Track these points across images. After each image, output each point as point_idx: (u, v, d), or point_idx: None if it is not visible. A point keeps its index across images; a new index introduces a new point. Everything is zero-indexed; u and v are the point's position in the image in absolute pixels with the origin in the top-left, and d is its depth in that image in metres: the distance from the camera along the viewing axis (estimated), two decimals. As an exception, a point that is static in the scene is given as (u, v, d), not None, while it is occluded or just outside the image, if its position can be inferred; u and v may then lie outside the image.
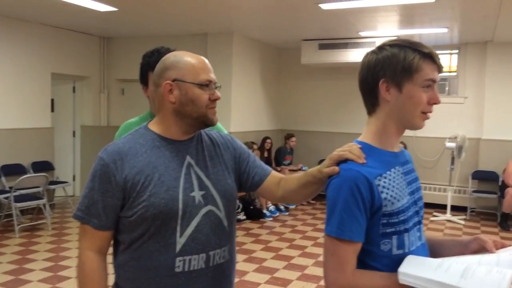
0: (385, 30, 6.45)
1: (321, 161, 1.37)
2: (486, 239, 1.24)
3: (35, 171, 6.40)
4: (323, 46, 7.24)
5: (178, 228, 1.33)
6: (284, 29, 6.67)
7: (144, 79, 1.94)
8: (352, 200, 1.14)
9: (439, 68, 1.22)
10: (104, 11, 5.61)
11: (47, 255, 4.80)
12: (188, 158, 1.40)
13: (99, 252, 1.36)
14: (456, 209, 7.09)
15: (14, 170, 6.24)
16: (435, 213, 7.02)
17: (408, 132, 1.30)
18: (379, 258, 1.18)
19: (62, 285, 4.02)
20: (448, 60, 7.55)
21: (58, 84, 7.33)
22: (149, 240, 1.33)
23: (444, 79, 7.72)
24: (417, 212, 1.27)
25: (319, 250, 5.17)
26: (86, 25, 6.79)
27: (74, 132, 7.70)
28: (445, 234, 6.10)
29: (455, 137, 6.84)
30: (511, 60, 6.98)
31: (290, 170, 7.42)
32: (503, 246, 1.23)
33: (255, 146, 7.14)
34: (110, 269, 1.39)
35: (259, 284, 4.16)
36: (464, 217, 6.89)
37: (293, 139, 7.82)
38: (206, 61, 1.42)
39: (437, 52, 1.23)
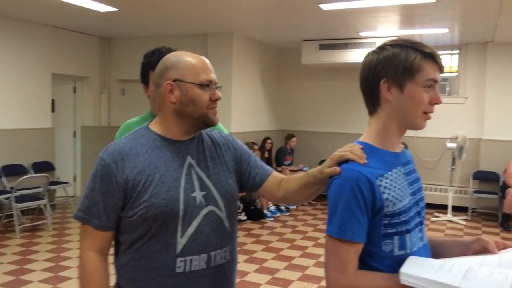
0: (386, 31, 6.45)
1: (321, 162, 1.37)
2: (488, 240, 1.24)
3: (35, 172, 6.40)
4: (323, 47, 7.24)
5: (179, 229, 1.33)
6: (284, 30, 6.67)
7: (145, 79, 1.94)
8: (353, 200, 1.13)
9: (441, 68, 1.22)
10: (104, 11, 5.61)
11: (47, 256, 4.80)
12: (189, 159, 1.40)
13: (100, 253, 1.35)
14: (457, 209, 7.08)
15: (15, 170, 6.24)
16: (436, 214, 7.01)
17: (409, 132, 1.30)
18: (381, 258, 1.17)
19: (63, 286, 4.02)
20: (449, 61, 7.54)
21: (58, 84, 7.33)
22: (150, 241, 1.32)
23: (444, 79, 7.72)
24: (418, 213, 1.26)
25: (320, 251, 5.17)
26: (86, 25, 6.79)
27: (74, 133, 7.70)
28: (446, 234, 6.10)
29: (456, 138, 6.83)
30: (511, 60, 6.97)
31: (290, 171, 7.41)
32: (505, 247, 1.23)
33: (255, 147, 7.14)
34: (112, 269, 1.39)
35: (260, 284, 4.16)
36: (465, 217, 6.88)
37: (294, 139, 7.82)
38: (207, 61, 1.41)
39: (438, 52, 1.23)
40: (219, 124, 1.59)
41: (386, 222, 1.16)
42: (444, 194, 7.21)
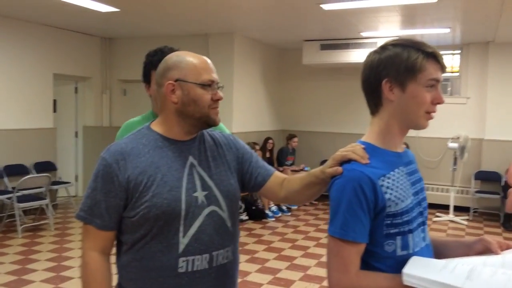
0: (387, 31, 6.44)
1: (323, 162, 1.36)
2: (491, 240, 1.23)
3: (37, 172, 6.41)
4: (324, 47, 7.24)
5: (181, 229, 1.33)
6: (285, 30, 6.66)
7: (147, 78, 1.94)
8: (355, 200, 1.13)
9: (443, 68, 1.22)
10: (105, 11, 5.62)
11: (49, 255, 4.80)
12: (191, 159, 1.40)
13: (102, 253, 1.35)
14: (459, 209, 7.07)
15: (17, 170, 6.25)
16: (437, 214, 7.01)
17: (410, 133, 1.30)
18: (383, 259, 1.17)
19: (65, 285, 4.03)
20: (450, 61, 7.53)
21: (60, 84, 7.34)
22: (152, 241, 1.32)
23: (446, 79, 7.70)
24: (421, 213, 1.26)
25: (322, 251, 5.16)
26: (88, 25, 6.80)
27: (76, 133, 7.71)
28: (448, 234, 6.09)
29: (458, 138, 6.82)
30: (513, 60, 6.97)
31: (292, 171, 7.41)
32: (508, 247, 1.22)
33: (257, 147, 7.13)
34: (114, 269, 1.39)
35: (261, 284, 4.16)
36: (467, 217, 6.87)
37: (295, 139, 7.82)
38: (209, 61, 1.41)
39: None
40: (221, 124, 1.59)
41: (389, 222, 1.16)
42: (446, 194, 7.20)
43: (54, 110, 7.10)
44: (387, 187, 1.17)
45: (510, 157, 6.76)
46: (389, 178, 1.19)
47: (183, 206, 1.33)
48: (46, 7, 5.63)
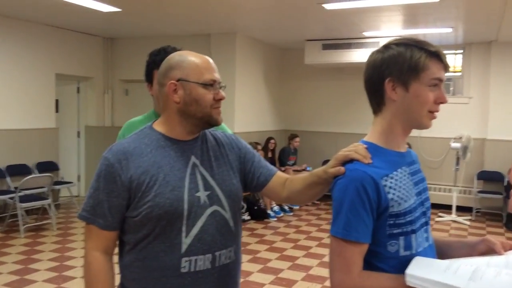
0: (389, 30, 6.43)
1: (325, 162, 1.36)
2: (494, 241, 1.23)
3: (40, 172, 6.42)
4: (326, 46, 7.23)
5: (184, 229, 1.32)
6: (287, 30, 6.66)
7: (149, 77, 1.94)
8: (358, 200, 1.13)
9: (446, 67, 1.21)
10: (107, 11, 5.62)
11: (52, 255, 4.81)
12: (193, 158, 1.39)
13: (105, 253, 1.35)
14: (461, 209, 7.05)
15: (19, 170, 6.26)
16: (440, 214, 6.99)
17: (413, 132, 1.29)
18: (386, 259, 1.16)
19: (67, 285, 4.03)
20: (453, 60, 7.52)
21: (62, 84, 7.35)
22: (155, 241, 1.32)
23: (448, 79, 7.69)
24: (424, 213, 1.25)
25: (324, 251, 5.16)
26: (89, 25, 6.81)
27: (78, 133, 7.72)
28: (450, 234, 6.08)
29: (460, 138, 6.81)
30: (516, 59, 6.94)
31: (294, 171, 7.40)
32: (511, 248, 1.22)
33: (259, 147, 7.13)
34: (116, 269, 1.39)
35: (263, 284, 4.15)
36: (469, 217, 6.86)
37: (297, 139, 7.81)
38: (211, 60, 1.41)
39: (442, 51, 1.22)
40: (223, 124, 1.59)
41: (392, 222, 1.16)
42: (449, 194, 7.19)
43: (56, 110, 7.11)
44: (390, 187, 1.16)
45: (512, 157, 6.74)
46: (392, 178, 1.18)
47: (186, 206, 1.32)
48: (48, 7, 5.63)
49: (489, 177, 7.08)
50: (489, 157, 7.08)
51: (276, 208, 6.87)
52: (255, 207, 6.63)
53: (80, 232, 5.66)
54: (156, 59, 1.87)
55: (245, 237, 5.64)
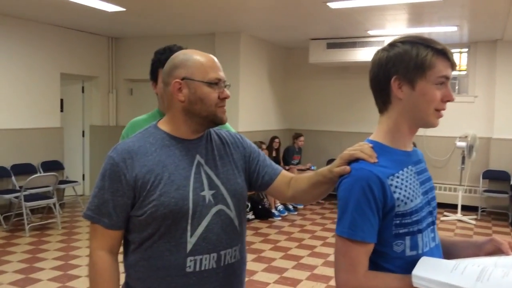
0: (394, 29, 6.41)
1: (329, 161, 1.35)
2: (501, 241, 1.21)
3: (44, 171, 6.45)
4: (331, 45, 7.21)
5: (189, 228, 1.32)
6: (291, 29, 6.65)
7: (154, 76, 1.94)
8: (364, 200, 1.12)
9: (453, 65, 1.20)
10: (112, 11, 5.63)
11: (57, 254, 4.83)
12: (198, 157, 1.39)
13: (110, 252, 1.35)
14: (467, 208, 7.02)
15: (24, 169, 6.29)
16: (445, 213, 6.96)
17: (418, 131, 1.28)
18: (392, 259, 1.15)
19: (72, 284, 4.04)
20: (458, 59, 7.48)
21: (67, 84, 7.38)
22: (160, 240, 1.32)
23: (454, 77, 7.65)
24: (430, 213, 1.24)
25: (328, 250, 5.15)
26: (94, 25, 6.83)
27: (83, 132, 7.75)
28: (456, 234, 6.05)
29: (466, 137, 6.77)
30: (522, 58, 6.90)
31: (298, 170, 7.40)
32: (518, 248, 1.21)
33: (263, 146, 7.13)
34: (121, 268, 1.39)
35: (268, 283, 4.15)
36: (475, 217, 6.83)
37: (301, 138, 7.80)
38: (215, 59, 1.41)
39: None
40: (226, 124, 1.58)
41: (398, 222, 1.15)
42: (454, 194, 7.16)
43: (61, 110, 7.14)
44: (396, 187, 1.15)
45: (518, 156, 6.71)
46: (398, 177, 1.17)
47: (191, 205, 1.32)
48: (53, 7, 5.65)
49: (494, 176, 7.04)
50: (495, 156, 7.04)
51: (280, 207, 6.86)
52: (260, 206, 6.63)
53: (85, 231, 5.68)
54: (161, 57, 1.87)
55: (249, 236, 5.64)
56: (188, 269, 1.32)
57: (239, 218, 1.43)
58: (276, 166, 1.55)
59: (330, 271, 4.42)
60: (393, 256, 1.15)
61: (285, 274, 4.41)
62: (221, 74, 1.38)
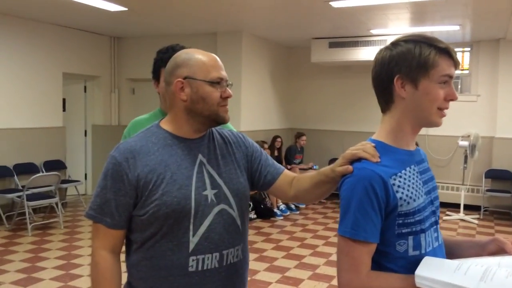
0: (396, 28, 6.40)
1: (331, 160, 1.35)
2: (504, 241, 1.21)
3: (47, 170, 6.46)
4: (333, 45, 7.20)
5: (191, 227, 1.32)
6: (294, 28, 6.64)
7: (156, 75, 1.95)
8: (366, 199, 1.11)
9: (456, 64, 1.19)
10: (114, 11, 5.63)
11: (59, 253, 4.84)
12: (200, 157, 1.39)
13: (112, 251, 1.35)
14: (469, 208, 7.01)
15: (27, 169, 6.30)
16: (448, 212, 6.95)
17: (420, 130, 1.27)
18: (395, 259, 1.15)
19: (74, 283, 4.05)
20: (461, 58, 7.46)
21: (69, 83, 7.39)
22: (162, 240, 1.32)
23: (456, 77, 7.63)
24: (433, 212, 1.24)
25: (331, 249, 5.14)
26: (96, 25, 6.83)
27: (85, 131, 7.76)
28: (459, 233, 6.04)
29: (468, 136, 6.76)
30: (525, 57, 6.88)
31: (300, 169, 7.39)
32: (522, 248, 1.20)
33: (265, 145, 7.12)
34: (123, 268, 1.38)
35: (270, 283, 4.15)
36: (477, 216, 6.81)
37: (303, 138, 7.80)
38: (217, 58, 1.40)
39: (451, 48, 1.20)
40: (228, 123, 1.58)
41: (400, 221, 1.14)
42: (456, 193, 7.14)
43: (64, 109, 7.15)
44: (399, 186, 1.15)
45: (521, 155, 6.68)
46: (400, 177, 1.17)
47: (193, 204, 1.32)
48: (55, 7, 5.66)
49: (497, 176, 7.03)
50: (497, 155, 7.02)
51: (282, 206, 6.86)
52: (262, 206, 6.63)
53: (87, 230, 5.69)
54: (163, 57, 1.87)
55: (251, 235, 5.64)
56: (190, 269, 1.31)
57: (242, 217, 1.42)
58: (279, 165, 1.55)
59: (332, 271, 4.42)
60: (396, 256, 1.15)
61: (287, 274, 4.40)
62: (223, 73, 1.38)
